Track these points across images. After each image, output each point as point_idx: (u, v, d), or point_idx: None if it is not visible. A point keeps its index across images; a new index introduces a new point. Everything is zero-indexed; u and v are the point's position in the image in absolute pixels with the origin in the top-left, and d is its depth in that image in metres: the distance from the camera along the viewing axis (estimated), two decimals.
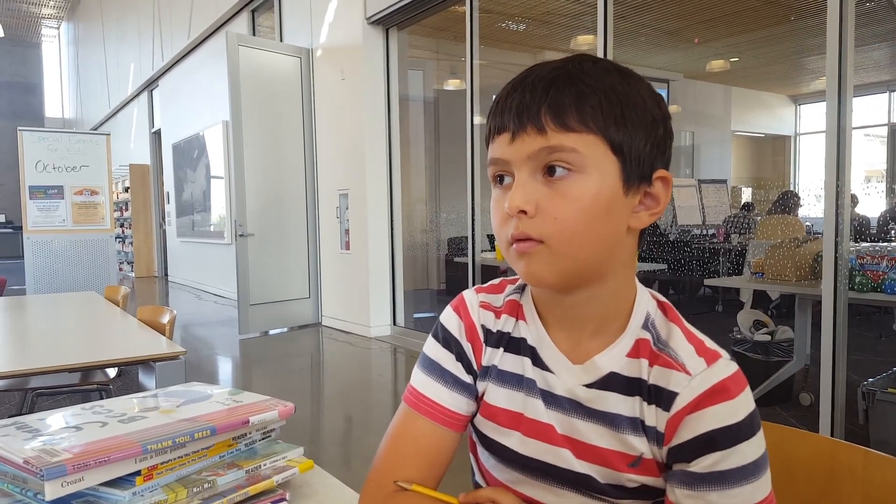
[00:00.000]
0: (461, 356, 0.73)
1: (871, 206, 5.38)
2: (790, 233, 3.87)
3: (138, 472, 0.67)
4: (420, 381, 0.73)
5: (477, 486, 0.78)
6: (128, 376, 3.30)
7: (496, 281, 0.77)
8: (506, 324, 0.72)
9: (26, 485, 0.63)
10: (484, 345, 0.72)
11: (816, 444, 0.81)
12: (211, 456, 0.75)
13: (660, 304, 0.69)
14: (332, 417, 3.59)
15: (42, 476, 0.59)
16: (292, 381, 4.43)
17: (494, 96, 0.67)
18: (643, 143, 0.62)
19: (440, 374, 0.72)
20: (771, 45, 7.42)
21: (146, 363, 1.80)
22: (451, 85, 7.46)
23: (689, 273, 5.28)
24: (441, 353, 0.73)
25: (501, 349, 0.72)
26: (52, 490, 0.60)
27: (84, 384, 2.51)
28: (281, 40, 6.49)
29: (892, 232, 4.91)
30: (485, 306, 0.74)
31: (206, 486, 0.70)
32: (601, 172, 0.61)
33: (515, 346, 0.71)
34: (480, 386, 0.72)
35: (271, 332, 5.90)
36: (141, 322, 2.33)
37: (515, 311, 0.72)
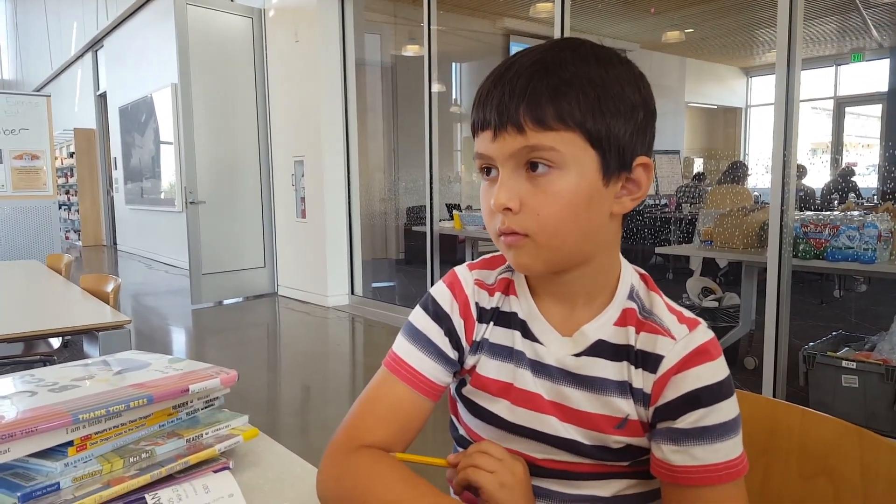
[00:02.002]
0: (451, 332, 0.74)
1: (817, 177, 5.56)
2: (739, 202, 3.96)
3: (71, 443, 0.64)
4: (403, 348, 0.74)
5: (459, 440, 0.80)
6: (73, 347, 3.20)
7: (488, 256, 0.79)
8: (497, 300, 0.75)
9: None
10: (476, 322, 0.74)
11: (756, 403, 0.84)
12: (150, 425, 0.73)
13: (641, 276, 0.73)
14: (288, 387, 3.57)
15: None
16: (247, 351, 4.38)
17: (477, 88, 0.69)
18: (622, 132, 0.64)
19: (425, 345, 0.73)
20: (725, 16, 7.50)
21: (90, 333, 1.75)
22: (410, 51, 7.34)
23: (641, 242, 5.38)
24: (430, 325, 0.74)
25: (491, 323, 0.74)
26: None
27: (27, 355, 2.43)
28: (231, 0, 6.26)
29: (835, 202, 5.09)
30: (479, 284, 0.76)
31: (143, 455, 0.68)
32: (580, 167, 0.63)
33: (506, 319, 0.74)
34: (472, 360, 0.74)
35: (226, 302, 5.81)
36: (85, 291, 2.25)
37: (507, 287, 0.75)
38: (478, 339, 0.74)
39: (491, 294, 0.75)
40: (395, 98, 7.19)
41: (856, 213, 3.31)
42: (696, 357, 0.65)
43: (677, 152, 6.65)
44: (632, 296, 0.71)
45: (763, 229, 3.12)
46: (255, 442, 0.82)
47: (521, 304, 0.73)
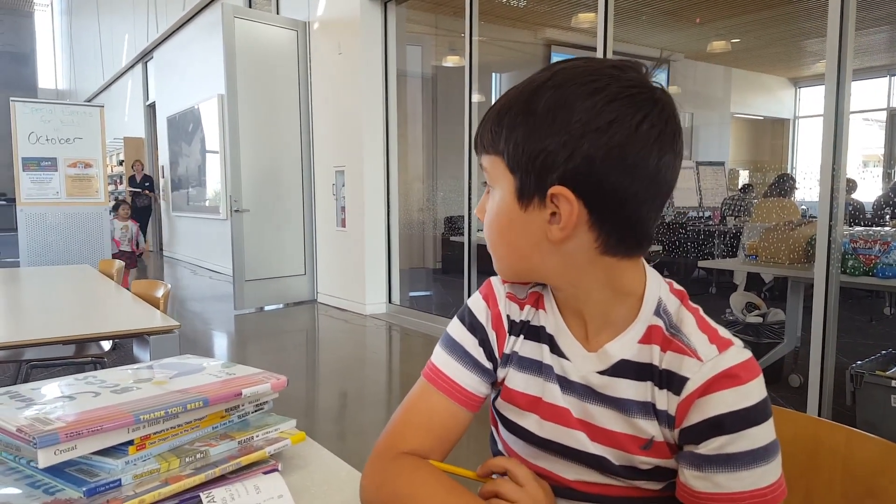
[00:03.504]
0: (484, 342, 0.75)
1: (868, 190, 5.39)
2: (785, 216, 3.87)
3: (131, 442, 0.67)
4: (441, 359, 0.75)
5: (497, 454, 0.81)
6: (122, 350, 3.31)
7: None
8: (528, 313, 0.75)
9: (20, 453, 0.64)
10: (508, 334, 0.75)
11: (798, 422, 0.82)
12: (204, 427, 0.76)
13: (676, 291, 0.70)
14: (326, 393, 3.62)
15: (35, 444, 0.60)
16: (287, 356, 4.45)
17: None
18: (533, 159, 0.63)
19: (461, 356, 0.75)
20: (772, 26, 7.36)
21: (140, 336, 1.81)
22: (450, 61, 7.39)
23: (683, 255, 5.30)
24: (465, 337, 0.76)
25: (522, 336, 0.74)
26: (45, 458, 0.61)
27: (79, 357, 2.52)
28: (277, 13, 6.42)
29: (887, 216, 4.93)
30: (511, 297, 0.76)
31: (198, 455, 0.71)
32: (502, 189, 0.67)
33: (535, 333, 0.74)
34: (501, 372, 0.75)
35: (267, 308, 5.91)
36: (135, 296, 2.33)
37: (537, 301, 0.75)
38: (508, 352, 0.75)
39: (521, 307, 0.75)
40: (434, 108, 7.24)
41: None
42: (722, 381, 0.62)
43: (722, 164, 6.53)
44: (658, 311, 0.68)
45: (810, 244, 3.05)
46: (301, 446, 0.85)
47: (549, 319, 0.73)
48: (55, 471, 0.64)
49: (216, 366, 0.87)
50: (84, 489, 0.62)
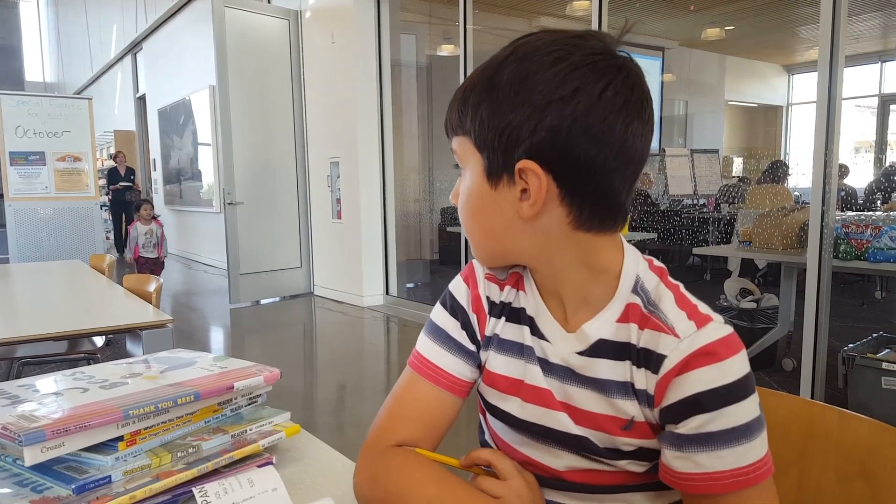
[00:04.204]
0: (466, 325, 0.74)
1: (860, 176, 5.41)
2: (779, 202, 3.89)
3: (121, 438, 0.66)
4: (425, 346, 0.75)
5: (485, 444, 0.80)
6: (116, 346, 3.29)
7: None
8: (508, 295, 0.74)
9: (5, 451, 0.63)
10: (488, 316, 0.74)
11: (793, 404, 0.83)
12: (196, 421, 0.75)
13: (654, 268, 0.69)
14: (324, 386, 3.61)
15: (20, 442, 0.59)
16: (284, 350, 4.44)
17: None
18: (501, 135, 0.62)
19: (445, 341, 0.74)
20: (766, 13, 7.34)
21: (133, 332, 1.79)
22: (445, 50, 7.35)
23: (678, 242, 5.31)
24: (448, 321, 0.75)
25: (503, 318, 0.73)
26: (32, 455, 0.60)
27: (71, 353, 2.51)
28: (268, 1, 6.36)
29: (878, 202, 4.95)
30: (490, 278, 0.75)
31: (190, 450, 0.70)
32: (471, 170, 0.67)
33: (516, 315, 0.73)
34: (483, 355, 0.74)
35: (263, 301, 5.90)
36: (127, 291, 2.31)
37: (518, 282, 0.74)
38: (489, 335, 0.74)
39: (501, 288, 0.74)
40: (430, 98, 7.21)
41: None
42: (700, 358, 0.61)
43: (716, 151, 6.54)
44: (636, 289, 0.67)
45: (803, 230, 3.06)
46: (296, 438, 0.84)
47: (529, 300, 0.72)
48: (43, 468, 0.63)
49: (208, 359, 0.86)
50: (73, 486, 0.61)
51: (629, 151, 0.62)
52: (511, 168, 0.62)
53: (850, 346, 2.89)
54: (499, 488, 0.66)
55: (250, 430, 0.77)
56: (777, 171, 4.53)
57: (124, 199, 9.88)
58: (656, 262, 0.70)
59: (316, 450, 0.84)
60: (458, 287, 0.76)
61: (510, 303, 0.73)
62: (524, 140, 0.61)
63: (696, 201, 5.87)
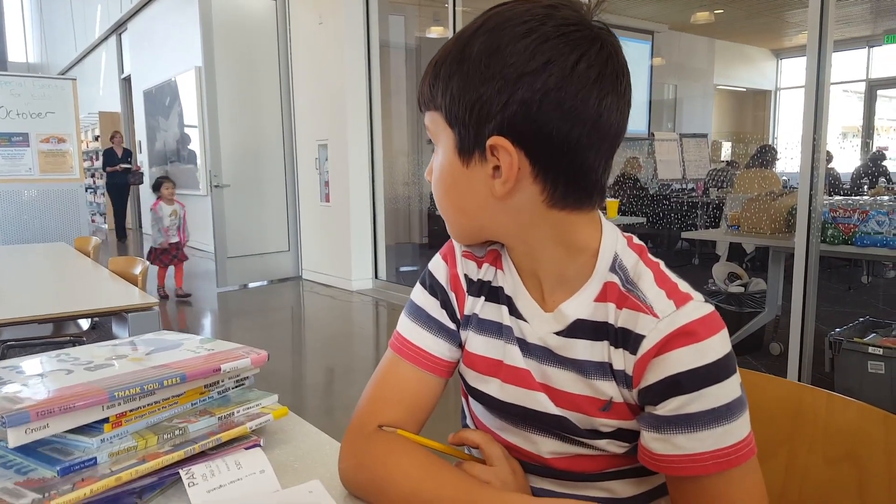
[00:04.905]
0: (446, 304, 0.73)
1: (847, 161, 5.44)
2: (767, 186, 3.90)
3: (106, 420, 0.66)
4: (405, 327, 0.74)
5: (467, 428, 0.79)
6: (102, 329, 3.27)
7: None
8: (486, 273, 0.72)
9: None
10: (466, 294, 0.73)
11: (781, 387, 0.83)
12: (182, 403, 0.74)
13: (633, 245, 0.68)
14: (313, 370, 3.61)
15: (4, 423, 0.58)
16: (273, 333, 4.43)
17: None
18: (469, 110, 0.60)
19: (425, 321, 0.73)
20: None
21: (119, 314, 1.78)
22: (434, 32, 7.28)
23: (667, 226, 5.33)
24: (427, 300, 0.74)
25: (482, 298, 0.72)
26: (15, 437, 0.59)
27: (57, 336, 2.49)
28: None
29: (865, 186, 4.99)
30: (467, 255, 0.74)
31: (177, 432, 0.70)
32: (443, 146, 0.65)
33: (495, 294, 0.71)
34: (463, 334, 0.73)
35: (251, 285, 5.87)
36: (113, 273, 2.29)
37: (496, 260, 0.72)
38: (468, 314, 0.73)
39: (479, 266, 0.73)
40: (419, 81, 7.16)
41: (886, 197, 3.25)
42: (679, 338, 0.59)
43: (705, 136, 6.54)
44: (614, 267, 0.65)
45: (791, 214, 3.07)
46: (284, 421, 0.84)
47: (507, 279, 0.70)
48: (27, 450, 0.63)
49: (194, 341, 0.85)
50: (58, 468, 0.61)
51: (604, 126, 0.60)
52: (482, 144, 0.61)
53: (837, 330, 2.92)
54: (485, 474, 0.66)
55: (237, 412, 0.76)
56: (765, 155, 4.55)
57: (126, 181, 9.62)
58: (636, 240, 0.68)
59: (304, 433, 0.83)
60: (436, 265, 0.75)
61: (489, 281, 0.72)
62: (495, 115, 0.59)
63: (684, 186, 5.89)
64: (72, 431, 0.64)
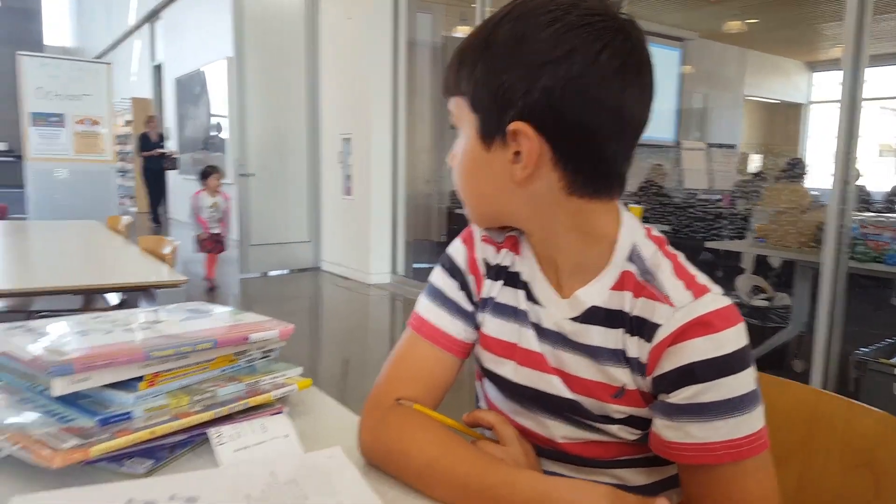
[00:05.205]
0: (464, 286, 0.75)
1: (883, 179, 5.35)
2: (796, 200, 3.86)
3: (141, 378, 0.68)
4: (424, 307, 0.75)
5: (481, 409, 0.80)
6: (129, 306, 3.33)
7: None
8: (505, 258, 0.74)
9: (35, 381, 0.65)
10: (484, 278, 0.74)
11: (800, 393, 0.82)
12: (213, 369, 0.76)
13: (652, 236, 0.68)
14: (328, 359, 3.65)
15: (50, 373, 0.61)
16: (290, 321, 4.46)
17: None
18: (494, 95, 0.61)
19: (443, 302, 0.75)
20: (790, 8, 7.23)
21: (147, 290, 1.82)
22: (461, 31, 7.30)
23: (691, 236, 5.28)
24: (446, 282, 0.76)
25: (500, 282, 0.73)
26: (60, 386, 0.62)
27: (86, 310, 2.54)
28: None
29: None
30: (486, 240, 0.75)
31: (206, 395, 0.72)
32: (467, 131, 0.66)
33: (512, 279, 0.73)
34: (480, 316, 0.74)
35: (271, 273, 5.94)
36: (143, 251, 2.34)
37: (515, 246, 0.74)
38: (485, 297, 0.74)
39: (498, 250, 0.74)
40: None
41: None
42: (695, 328, 0.60)
43: (733, 147, 6.47)
44: (632, 257, 0.66)
45: (820, 229, 3.04)
46: (306, 393, 0.86)
47: (525, 264, 0.72)
48: (68, 401, 0.65)
49: (224, 312, 0.88)
50: (97, 418, 0.63)
51: (626, 117, 0.61)
52: (504, 130, 0.62)
53: (863, 350, 2.87)
54: (498, 453, 0.67)
55: (264, 381, 0.79)
56: (795, 168, 4.49)
57: (160, 166, 9.48)
58: (655, 231, 0.69)
59: (326, 405, 0.85)
60: (456, 249, 0.77)
61: (507, 266, 0.73)
62: (517, 101, 0.60)
63: (710, 196, 5.84)
64: (109, 387, 0.67)
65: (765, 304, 3.47)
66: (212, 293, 5.25)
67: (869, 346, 2.93)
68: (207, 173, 5.18)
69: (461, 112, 0.66)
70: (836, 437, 0.78)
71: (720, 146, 6.13)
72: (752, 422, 0.60)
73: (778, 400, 0.83)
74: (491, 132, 0.63)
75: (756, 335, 3.48)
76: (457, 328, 0.74)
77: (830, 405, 0.79)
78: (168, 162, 9.53)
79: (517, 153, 0.62)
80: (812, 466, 0.80)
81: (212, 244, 5.20)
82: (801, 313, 3.37)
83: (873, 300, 5.07)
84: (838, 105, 2.70)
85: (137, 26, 11.81)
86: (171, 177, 10.81)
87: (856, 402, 0.77)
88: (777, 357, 3.43)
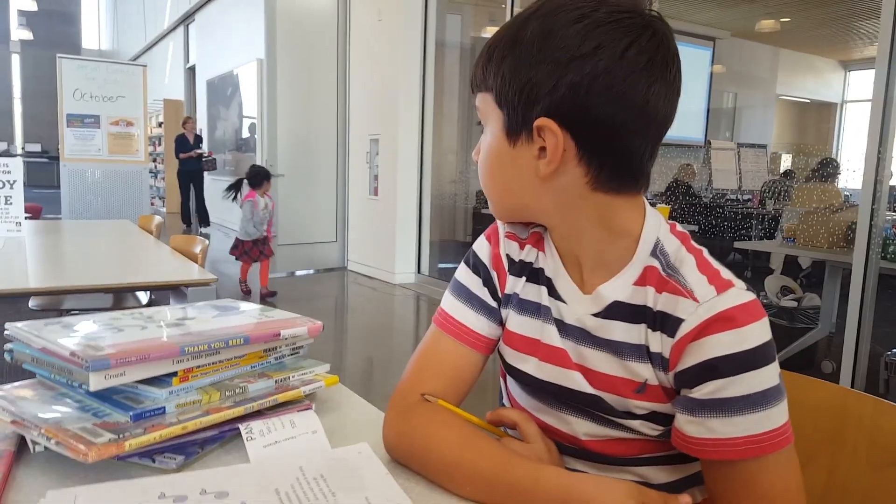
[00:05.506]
0: (488, 282, 0.76)
1: None
2: (827, 200, 3.79)
3: (175, 374, 0.70)
4: (449, 303, 0.77)
5: (504, 407, 0.81)
6: (159, 304, 3.39)
7: None
8: (528, 254, 0.74)
9: (72, 376, 0.67)
10: (508, 273, 0.75)
11: (827, 391, 0.82)
12: (243, 365, 0.78)
13: (676, 232, 0.68)
14: (354, 358, 3.68)
15: (87, 368, 0.63)
16: (317, 319, 4.52)
17: None
18: (521, 91, 0.62)
19: (468, 298, 0.75)
20: (824, 6, 7.09)
21: (177, 289, 1.86)
22: (489, 32, 7.28)
23: (719, 236, 5.21)
24: (470, 278, 0.76)
25: (524, 278, 0.74)
26: (96, 381, 0.64)
27: (116, 308, 2.60)
28: None
29: None
30: (510, 236, 0.76)
31: (237, 391, 0.74)
32: (492, 126, 0.67)
33: (535, 275, 0.73)
34: (503, 312, 0.75)
35: (297, 273, 6.00)
36: (174, 250, 2.38)
37: (538, 242, 0.74)
38: (508, 293, 0.74)
39: (521, 247, 0.75)
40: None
41: None
42: (718, 323, 0.60)
43: (764, 147, 6.36)
44: (655, 252, 0.66)
45: (850, 229, 2.98)
46: (334, 390, 0.88)
47: (548, 261, 0.72)
48: (103, 396, 0.68)
49: (254, 309, 0.90)
50: (131, 413, 0.65)
51: (651, 113, 0.61)
52: (530, 125, 0.62)
53: (894, 350, 2.82)
54: (522, 450, 0.67)
55: (292, 377, 0.80)
56: (827, 168, 4.40)
57: (198, 167, 9.26)
58: (679, 227, 0.69)
59: (353, 403, 0.87)
60: (480, 245, 0.77)
61: (531, 262, 0.74)
62: (543, 97, 0.61)
63: (740, 196, 5.75)
64: (142, 382, 0.69)
65: (793, 304, 3.42)
66: (272, 299, 4.93)
67: None
68: (263, 175, 4.85)
69: (487, 107, 0.67)
70: (863, 435, 0.78)
71: (751, 146, 6.02)
72: (775, 417, 0.60)
73: (806, 398, 0.83)
74: (517, 127, 0.64)
75: (784, 336, 3.45)
76: (481, 324, 0.74)
77: (858, 403, 0.79)
78: (207, 163, 9.33)
79: (542, 148, 0.63)
80: (840, 465, 0.80)
81: (256, 252, 4.86)
82: (831, 314, 3.32)
83: None
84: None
85: (171, 29, 12.04)
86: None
87: (883, 400, 0.77)
88: (806, 358, 3.38)
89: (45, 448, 0.63)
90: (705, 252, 0.67)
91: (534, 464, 0.64)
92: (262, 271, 5.01)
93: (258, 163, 6.24)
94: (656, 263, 0.66)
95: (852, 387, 2.71)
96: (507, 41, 0.64)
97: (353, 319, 4.73)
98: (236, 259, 4.95)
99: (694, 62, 7.25)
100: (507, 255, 0.75)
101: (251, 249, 4.87)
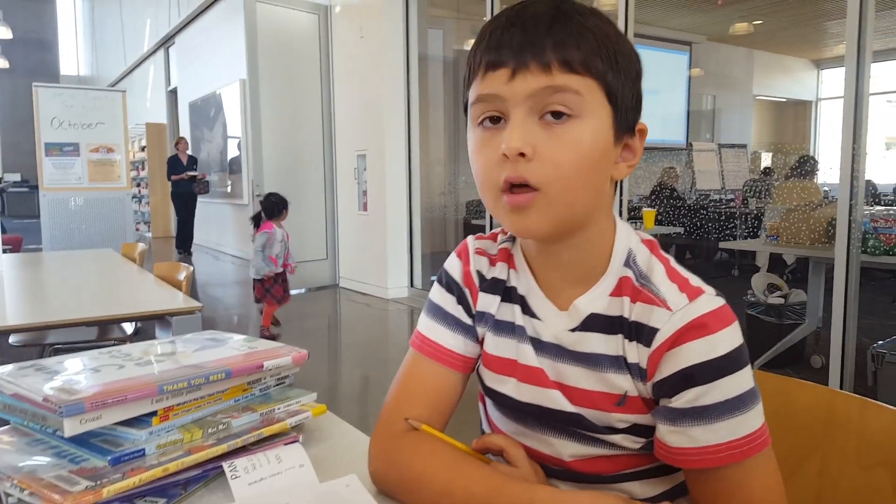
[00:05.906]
0: (462, 300, 0.75)
1: (890, 172, 5.29)
2: (807, 197, 3.83)
3: (154, 413, 0.69)
4: (425, 325, 0.76)
5: (484, 434, 0.80)
6: (145, 334, 3.35)
7: (497, 230, 0.79)
8: (500, 271, 0.74)
9: (46, 422, 0.66)
10: (479, 290, 0.74)
11: (814, 393, 0.83)
12: (226, 399, 0.77)
13: (645, 241, 0.69)
14: (348, 376, 3.65)
15: (61, 413, 0.61)
16: (310, 341, 4.50)
17: (482, 29, 0.66)
18: (630, 92, 0.64)
19: (443, 318, 0.75)
20: (795, 7, 7.20)
21: (162, 318, 1.84)
22: (470, 46, 7.32)
23: (705, 237, 5.25)
24: (444, 297, 0.76)
25: (498, 298, 0.73)
26: (71, 427, 0.62)
27: (101, 340, 2.57)
28: None
29: None
30: (480, 252, 0.76)
31: (220, 427, 0.73)
32: (597, 119, 0.61)
33: (509, 294, 0.73)
34: (479, 331, 0.75)
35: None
36: (157, 278, 2.36)
37: (508, 259, 0.74)
38: (481, 310, 0.74)
39: (492, 263, 0.74)
40: (456, 92, 7.21)
41: None
42: (692, 331, 0.60)
43: (744, 146, 6.44)
44: (628, 262, 0.66)
45: (831, 224, 3.02)
46: (322, 419, 0.86)
47: (520, 279, 0.71)
48: (80, 441, 0.66)
49: (238, 340, 0.89)
50: (109, 458, 0.64)
51: None
52: (633, 127, 0.65)
53: (880, 342, 2.85)
54: (511, 474, 0.67)
55: (278, 409, 0.79)
56: (805, 166, 4.45)
57: (190, 190, 8.88)
58: (646, 235, 0.70)
59: (341, 431, 0.86)
60: (452, 263, 0.77)
61: (504, 280, 0.73)
62: (641, 103, 0.66)
63: (723, 196, 5.80)
64: (121, 424, 0.67)
65: (780, 301, 3.44)
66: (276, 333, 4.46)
67: (886, 339, 2.90)
68: (282, 205, 4.24)
69: (589, 94, 0.60)
70: (852, 436, 0.78)
71: (731, 146, 6.09)
72: (751, 421, 0.61)
73: (794, 400, 0.83)
74: (625, 126, 0.64)
75: (773, 333, 3.47)
76: (458, 343, 0.74)
77: (846, 404, 0.80)
78: (199, 185, 8.97)
79: (626, 146, 0.65)
80: (829, 466, 0.80)
81: (281, 292, 4.31)
82: (817, 309, 3.35)
83: (889, 293, 5.02)
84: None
85: (151, 52, 12.00)
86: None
87: (871, 400, 0.77)
88: (795, 353, 3.41)
89: (19, 500, 0.62)
90: (672, 260, 0.68)
91: (527, 484, 0.63)
92: (266, 310, 4.42)
93: (244, 183, 6.19)
94: (630, 273, 0.66)
95: (841, 380, 2.74)
96: (613, 42, 0.62)
97: (347, 338, 4.71)
98: (257, 301, 4.39)
99: (672, 67, 7.33)
100: (478, 272, 0.75)
101: (273, 287, 4.27)
